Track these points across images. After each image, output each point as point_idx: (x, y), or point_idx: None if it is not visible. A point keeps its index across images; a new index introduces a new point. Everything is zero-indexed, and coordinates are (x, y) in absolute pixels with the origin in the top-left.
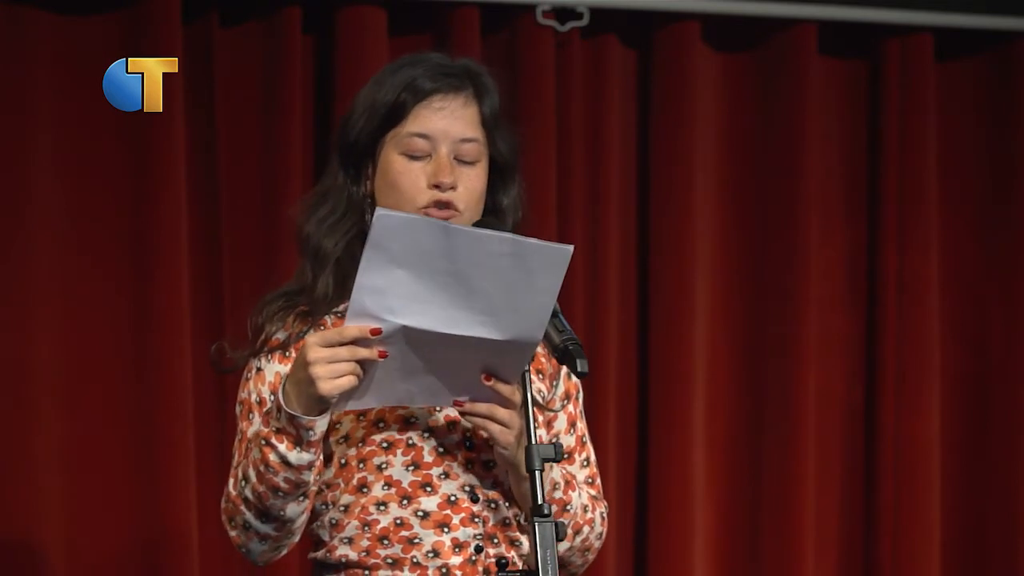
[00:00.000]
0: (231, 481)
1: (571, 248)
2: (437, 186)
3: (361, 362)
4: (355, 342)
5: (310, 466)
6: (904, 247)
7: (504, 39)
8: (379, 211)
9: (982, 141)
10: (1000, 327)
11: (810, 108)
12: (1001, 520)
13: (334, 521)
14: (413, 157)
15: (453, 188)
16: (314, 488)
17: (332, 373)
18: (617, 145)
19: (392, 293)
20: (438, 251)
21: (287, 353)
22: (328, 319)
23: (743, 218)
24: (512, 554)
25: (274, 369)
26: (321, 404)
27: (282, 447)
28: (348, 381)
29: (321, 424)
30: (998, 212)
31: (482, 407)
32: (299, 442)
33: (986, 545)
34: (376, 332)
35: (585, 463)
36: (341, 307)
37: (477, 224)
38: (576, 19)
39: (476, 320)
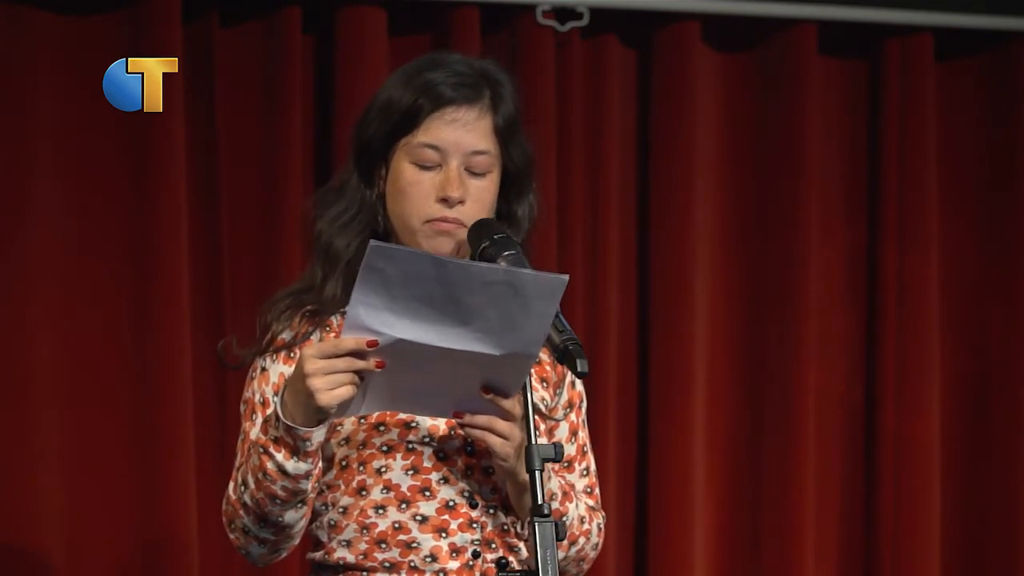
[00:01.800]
0: (231, 485)
1: (566, 278)
2: (445, 200)
3: (359, 372)
4: (352, 353)
5: (307, 475)
6: (904, 247)
7: (504, 39)
8: (372, 243)
9: (982, 141)
10: (1000, 327)
11: (810, 108)
12: (1001, 520)
13: (333, 522)
14: (424, 167)
15: (461, 202)
16: (313, 495)
17: (330, 384)
18: (617, 145)
19: (388, 309)
20: (433, 280)
21: (292, 354)
22: (334, 319)
23: (743, 218)
24: (511, 559)
25: (278, 370)
26: (319, 415)
27: (279, 456)
28: (346, 391)
29: (318, 435)
30: (998, 212)
31: (481, 419)
32: (296, 452)
33: (986, 545)
34: (372, 344)
35: (585, 472)
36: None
37: (475, 225)
38: (576, 19)
39: (473, 336)
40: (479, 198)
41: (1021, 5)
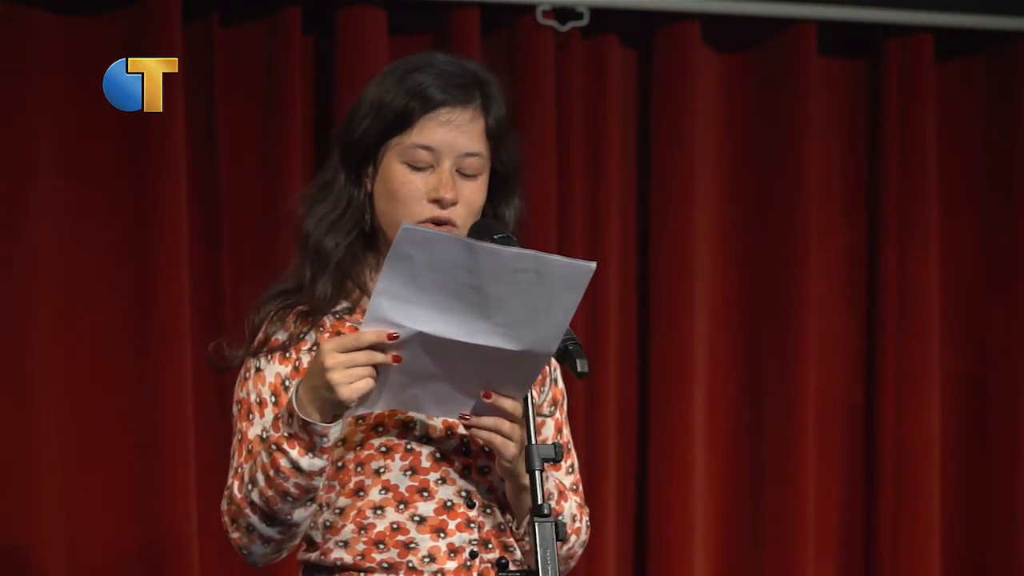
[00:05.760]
0: (235, 484)
1: (594, 265)
2: (437, 201)
3: (376, 366)
4: (372, 347)
5: (321, 472)
6: (904, 247)
7: (504, 39)
8: (405, 225)
9: (982, 141)
10: (1000, 327)
11: (810, 108)
12: (1001, 520)
13: (328, 523)
14: (416, 168)
15: (454, 203)
16: (321, 492)
17: (350, 378)
18: (617, 145)
19: (411, 301)
20: (460, 266)
21: (287, 354)
22: (327, 320)
23: (743, 218)
24: (507, 559)
25: (274, 370)
26: (337, 409)
27: (294, 453)
28: (366, 384)
29: (335, 430)
30: (998, 212)
31: (488, 421)
32: (312, 448)
33: (986, 545)
34: (393, 337)
35: (570, 470)
36: (339, 307)
37: (476, 224)
38: (576, 19)
39: (493, 330)
40: (469, 198)
41: (1021, 5)
